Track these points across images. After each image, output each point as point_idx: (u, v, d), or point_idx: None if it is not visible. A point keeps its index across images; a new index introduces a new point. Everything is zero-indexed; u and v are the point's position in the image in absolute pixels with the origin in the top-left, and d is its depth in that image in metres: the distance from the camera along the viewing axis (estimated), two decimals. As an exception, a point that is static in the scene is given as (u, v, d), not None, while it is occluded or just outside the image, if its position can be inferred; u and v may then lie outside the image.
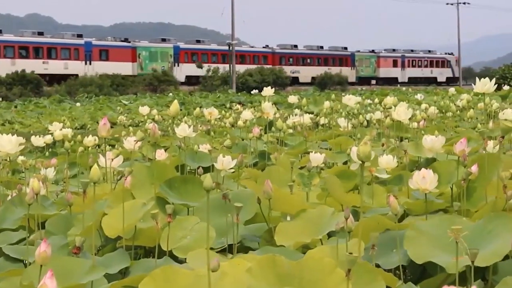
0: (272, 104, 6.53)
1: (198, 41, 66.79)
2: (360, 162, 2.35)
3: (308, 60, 70.20)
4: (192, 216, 3.30)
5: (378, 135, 7.52)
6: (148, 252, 3.32)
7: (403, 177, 4.05)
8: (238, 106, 17.40)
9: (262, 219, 3.30)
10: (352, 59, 73.98)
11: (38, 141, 5.98)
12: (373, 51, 78.97)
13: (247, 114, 7.16)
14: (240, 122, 6.97)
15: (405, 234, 2.69)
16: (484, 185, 3.39)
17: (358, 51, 78.55)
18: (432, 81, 75.60)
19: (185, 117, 11.92)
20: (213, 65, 58.98)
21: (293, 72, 66.20)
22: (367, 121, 9.54)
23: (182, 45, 63.50)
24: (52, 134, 6.63)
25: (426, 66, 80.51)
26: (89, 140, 5.85)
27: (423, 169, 2.97)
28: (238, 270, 2.27)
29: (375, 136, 7.36)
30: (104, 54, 57.71)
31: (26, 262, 2.96)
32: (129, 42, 61.21)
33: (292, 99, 8.61)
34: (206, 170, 5.06)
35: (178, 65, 61.10)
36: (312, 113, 11.00)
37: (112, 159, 3.72)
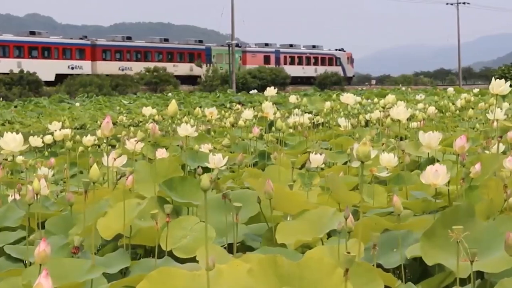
0: (272, 104, 6.53)
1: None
2: (362, 162, 2.35)
3: (147, 55, 60.89)
4: (192, 216, 3.30)
5: (378, 135, 7.52)
6: (148, 252, 3.32)
7: (403, 177, 4.06)
8: (239, 106, 17.40)
9: (264, 218, 3.31)
10: (208, 54, 64.24)
11: (36, 141, 5.99)
12: (237, 45, 66.81)
13: (248, 113, 7.16)
14: (241, 122, 6.98)
15: (403, 235, 2.67)
16: (483, 185, 3.39)
17: (224, 44, 66.38)
18: (315, 81, 64.95)
19: (185, 117, 11.91)
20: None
21: (122, 69, 57.00)
22: (367, 121, 9.55)
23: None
24: (52, 134, 6.63)
25: (308, 64, 70.04)
26: (89, 140, 5.85)
27: (436, 163, 2.95)
28: (237, 271, 2.27)
29: (375, 136, 7.36)
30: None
31: (26, 262, 2.96)
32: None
33: (293, 99, 8.62)
34: (207, 170, 5.06)
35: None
36: (311, 112, 11.00)
37: (115, 159, 3.72)
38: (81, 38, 59.44)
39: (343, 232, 2.62)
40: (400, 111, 5.00)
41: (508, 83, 3.93)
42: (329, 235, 3.14)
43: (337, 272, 2.21)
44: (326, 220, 3.04)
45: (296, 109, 10.35)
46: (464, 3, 73.55)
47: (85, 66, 55.63)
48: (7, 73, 47.85)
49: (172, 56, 62.02)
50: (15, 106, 33.69)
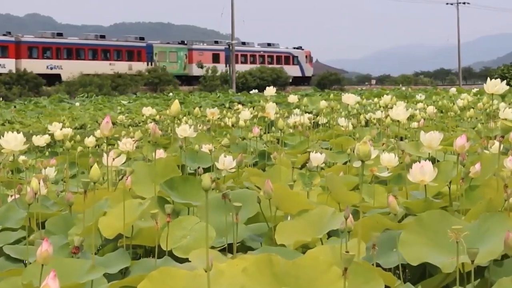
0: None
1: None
2: (362, 161, 2.35)
3: (79, 53, 56.34)
4: (192, 216, 3.30)
5: (378, 135, 7.52)
6: (148, 251, 3.32)
7: (403, 177, 4.05)
8: (239, 106, 17.39)
9: (264, 218, 3.31)
10: (149, 51, 60.09)
11: (39, 140, 5.99)
12: (182, 42, 64.62)
13: (246, 114, 7.17)
14: (241, 122, 6.98)
15: (400, 237, 2.68)
16: (483, 184, 3.40)
17: (172, 42, 64.36)
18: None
19: (185, 117, 11.93)
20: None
21: (51, 68, 53.73)
22: (367, 120, 9.56)
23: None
24: (52, 134, 6.63)
25: (263, 63, 65.55)
26: (90, 141, 5.85)
27: (422, 160, 2.98)
28: (235, 270, 2.28)
29: (375, 136, 7.36)
30: None
31: (26, 262, 2.96)
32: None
33: (292, 98, 8.62)
34: (207, 170, 5.06)
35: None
36: (311, 112, 11.00)
37: (114, 159, 3.72)
38: (4, 35, 54.25)
39: (344, 232, 2.62)
40: (400, 112, 5.00)
41: (504, 82, 3.95)
42: (329, 235, 3.14)
43: (332, 270, 2.21)
44: (326, 220, 3.04)
45: (296, 109, 10.36)
46: (464, 3, 73.47)
47: (8, 65, 50.97)
48: None
49: (109, 54, 57.78)
50: (15, 106, 33.69)
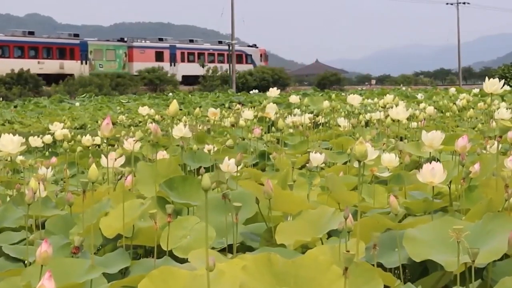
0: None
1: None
2: (359, 161, 2.35)
3: (3, 50, 51.92)
4: (192, 216, 3.30)
5: (378, 135, 7.52)
6: (148, 251, 3.32)
7: (403, 177, 4.05)
8: (239, 106, 17.39)
9: (263, 218, 3.30)
10: (83, 49, 55.61)
11: (35, 141, 5.99)
12: (121, 39, 60.34)
13: (249, 113, 7.17)
14: (241, 122, 6.98)
15: (404, 233, 2.69)
16: (483, 184, 3.39)
17: (112, 40, 60.21)
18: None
19: (185, 117, 11.91)
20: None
21: None
22: (367, 121, 9.55)
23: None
24: (52, 134, 6.63)
25: (212, 62, 62.38)
26: (88, 140, 5.85)
27: (433, 162, 2.96)
28: (235, 270, 2.28)
29: (375, 136, 7.36)
30: None
31: (26, 262, 2.96)
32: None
33: (294, 98, 8.63)
34: (206, 170, 5.06)
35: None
36: (312, 112, 11.00)
37: (116, 159, 3.72)
38: None
39: (343, 231, 2.62)
40: (400, 111, 5.00)
41: (502, 82, 3.97)
42: (329, 235, 3.14)
43: (332, 270, 2.21)
44: (326, 220, 3.04)
45: (297, 109, 10.36)
46: (464, 3, 73.43)
47: None
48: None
49: (37, 52, 53.43)
50: (15, 106, 33.69)
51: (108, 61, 56.29)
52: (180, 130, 4.45)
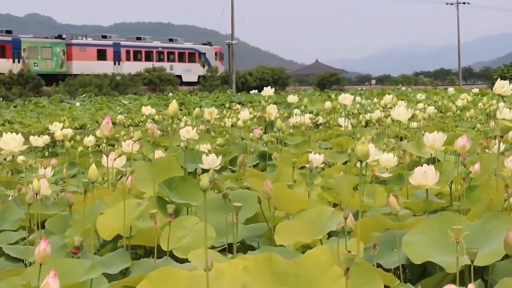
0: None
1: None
2: (361, 162, 2.35)
3: None
4: (192, 216, 3.30)
5: (378, 135, 7.52)
6: (148, 252, 3.32)
7: (403, 176, 4.05)
8: (238, 106, 17.39)
9: (264, 218, 3.30)
10: (16, 47, 51.21)
11: (37, 141, 5.99)
12: (59, 36, 56.08)
13: (245, 114, 7.18)
14: (240, 122, 6.98)
15: (404, 235, 2.69)
16: (483, 184, 3.39)
17: (50, 37, 55.43)
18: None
19: (185, 117, 11.91)
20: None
21: None
22: (367, 121, 9.55)
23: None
24: (52, 134, 6.63)
25: (161, 60, 58.24)
26: (88, 140, 5.84)
27: (424, 164, 2.97)
28: (235, 270, 2.28)
29: (375, 136, 7.36)
30: None
31: (26, 262, 2.96)
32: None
33: (292, 98, 8.62)
34: (205, 170, 5.05)
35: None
36: (311, 112, 11.01)
37: (115, 159, 3.72)
38: None
39: (343, 232, 2.62)
40: (401, 112, 5.01)
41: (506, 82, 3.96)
42: (329, 235, 3.14)
43: (333, 270, 2.21)
44: (325, 220, 3.04)
45: (296, 109, 10.36)
46: (464, 3, 73.40)
47: None
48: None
49: None
50: (15, 106, 33.68)
51: (44, 59, 52.27)
52: (188, 132, 4.46)
